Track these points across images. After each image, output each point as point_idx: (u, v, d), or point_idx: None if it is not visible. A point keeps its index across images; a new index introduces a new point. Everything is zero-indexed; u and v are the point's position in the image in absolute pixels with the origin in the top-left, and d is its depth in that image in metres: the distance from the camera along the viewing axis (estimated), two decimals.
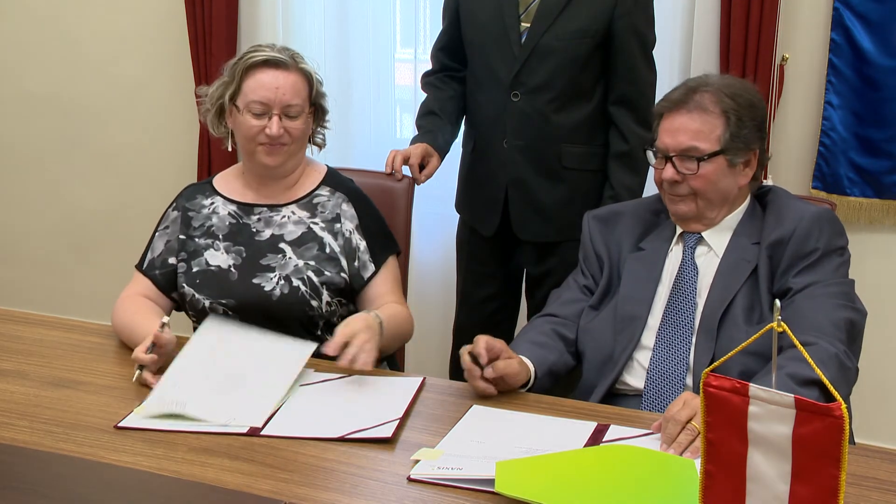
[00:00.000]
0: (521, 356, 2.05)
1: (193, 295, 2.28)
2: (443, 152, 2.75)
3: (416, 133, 2.79)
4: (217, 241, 2.31)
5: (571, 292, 2.29)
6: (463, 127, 2.91)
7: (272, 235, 2.31)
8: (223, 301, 2.26)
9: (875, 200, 3.12)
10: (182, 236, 2.33)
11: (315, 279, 2.26)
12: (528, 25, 2.65)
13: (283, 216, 2.33)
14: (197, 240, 2.32)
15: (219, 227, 2.33)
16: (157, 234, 2.39)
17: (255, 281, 2.25)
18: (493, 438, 1.76)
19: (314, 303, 2.25)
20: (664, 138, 2.11)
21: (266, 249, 2.29)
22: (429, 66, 2.96)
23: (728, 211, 2.15)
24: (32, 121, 4.20)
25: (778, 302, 1.44)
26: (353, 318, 2.07)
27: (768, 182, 3.15)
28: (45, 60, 4.12)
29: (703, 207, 2.13)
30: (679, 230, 2.19)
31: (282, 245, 2.30)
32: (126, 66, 4.00)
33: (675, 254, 2.19)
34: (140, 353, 2.00)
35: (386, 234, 2.39)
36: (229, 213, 2.34)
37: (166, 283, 2.33)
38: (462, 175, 2.94)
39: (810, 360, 1.33)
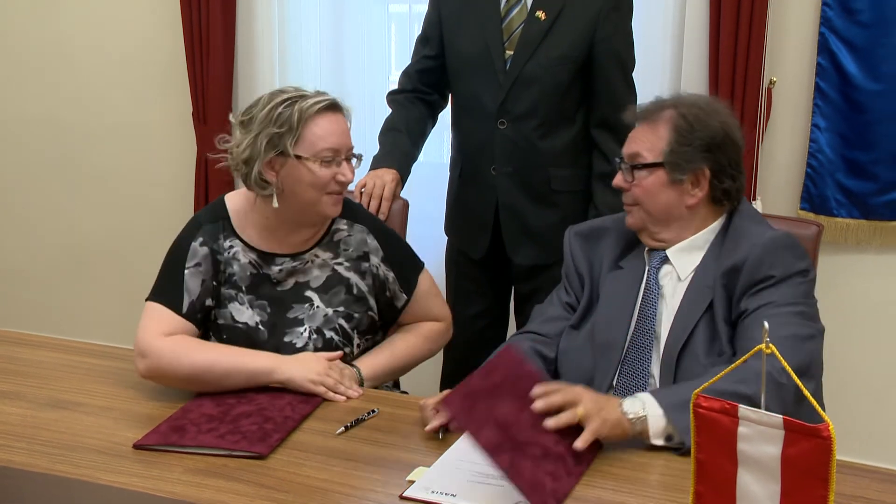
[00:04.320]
0: None
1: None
2: (406, 177, 2.73)
3: (385, 149, 2.74)
4: (241, 294, 2.17)
5: (554, 309, 2.25)
6: (449, 152, 2.92)
7: (296, 284, 2.20)
8: None
9: (862, 221, 3.13)
10: (214, 282, 2.17)
11: (346, 325, 2.20)
12: (512, 53, 2.66)
13: (307, 262, 2.21)
14: (222, 289, 2.18)
15: (240, 276, 2.17)
16: (187, 272, 2.15)
17: (287, 339, 2.16)
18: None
19: (346, 349, 2.20)
20: (625, 145, 2.13)
21: (291, 300, 2.19)
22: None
23: (686, 232, 2.08)
24: (32, 144, 4.21)
25: (766, 323, 1.43)
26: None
27: (756, 203, 3.17)
28: (45, 85, 4.13)
29: (646, 220, 2.09)
30: (647, 247, 2.15)
31: (308, 293, 2.20)
32: (124, 90, 4.01)
33: (647, 274, 2.14)
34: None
35: (409, 256, 2.34)
36: (249, 262, 2.18)
37: (203, 326, 2.19)
38: (450, 200, 2.94)
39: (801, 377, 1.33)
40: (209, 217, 2.22)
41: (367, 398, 2.05)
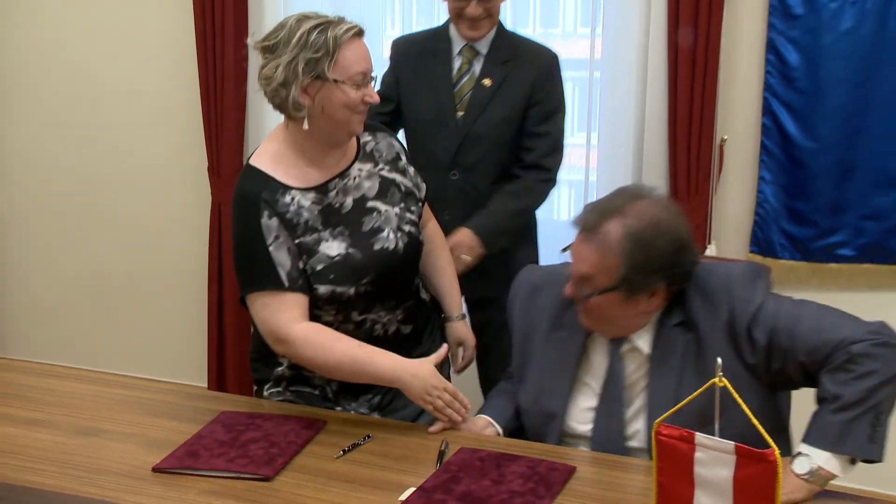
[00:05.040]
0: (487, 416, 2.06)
1: (333, 290, 2.04)
2: None
3: None
4: (321, 233, 2.04)
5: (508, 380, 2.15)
6: None
7: (355, 200, 2.09)
8: (364, 281, 2.05)
9: (802, 263, 3.14)
10: (296, 242, 2.03)
11: (413, 217, 2.16)
12: (462, 114, 2.75)
13: (353, 178, 2.10)
14: (303, 238, 2.03)
15: (313, 218, 2.04)
16: (271, 248, 2.00)
17: (377, 247, 2.07)
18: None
19: (421, 236, 2.19)
20: (571, 257, 1.87)
21: (359, 216, 2.08)
22: None
23: (642, 322, 1.88)
24: (66, 193, 4.21)
25: (719, 360, 1.44)
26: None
27: (710, 247, 3.19)
28: (79, 141, 4.14)
29: (599, 327, 1.90)
30: None
31: (370, 204, 2.10)
32: (147, 146, 4.02)
33: (598, 346, 1.93)
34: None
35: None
36: (312, 202, 2.04)
37: (309, 286, 2.05)
38: None
39: None
40: (258, 186, 2.03)
41: (362, 425, 2.03)
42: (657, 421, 1.45)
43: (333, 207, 2.07)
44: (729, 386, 1.38)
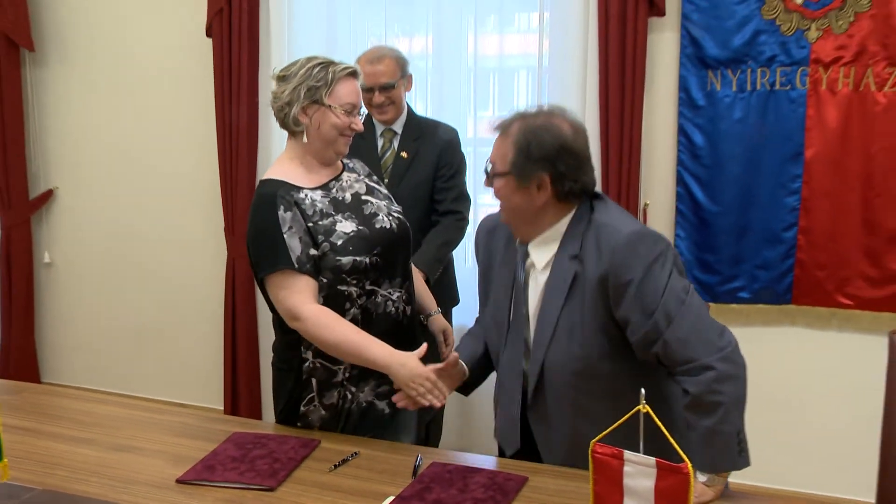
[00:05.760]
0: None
1: (354, 259, 2.01)
2: None
3: None
4: (335, 217, 2.05)
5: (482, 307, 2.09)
6: None
7: (352, 195, 2.12)
8: (375, 252, 2.05)
9: (712, 304, 3.16)
10: (309, 224, 2.01)
11: (397, 209, 2.19)
12: (388, 180, 2.85)
13: (346, 181, 2.14)
14: (321, 222, 2.03)
15: (325, 207, 2.05)
16: (285, 235, 1.98)
17: (378, 226, 2.08)
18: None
19: (407, 224, 2.19)
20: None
21: (358, 206, 2.10)
22: None
23: (542, 227, 1.85)
24: (107, 247, 4.19)
25: (643, 390, 1.43)
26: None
27: None
28: (119, 204, 4.14)
29: (509, 217, 1.88)
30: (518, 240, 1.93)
31: (363, 197, 2.13)
32: (175, 209, 4.03)
33: (520, 268, 1.92)
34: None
35: None
36: (321, 196, 2.06)
37: (316, 273, 2.02)
38: None
39: None
40: (274, 188, 2.03)
41: (350, 443, 2.00)
42: (593, 441, 1.44)
43: (338, 199, 2.09)
44: (652, 413, 1.38)
